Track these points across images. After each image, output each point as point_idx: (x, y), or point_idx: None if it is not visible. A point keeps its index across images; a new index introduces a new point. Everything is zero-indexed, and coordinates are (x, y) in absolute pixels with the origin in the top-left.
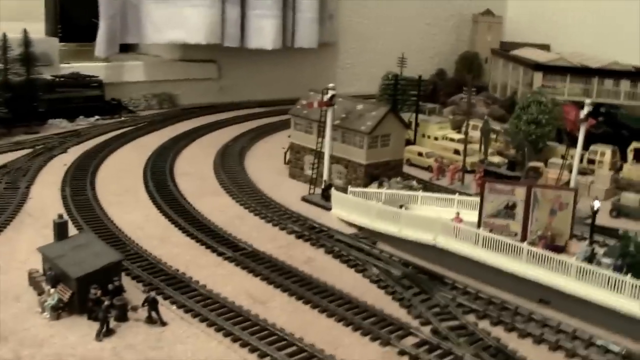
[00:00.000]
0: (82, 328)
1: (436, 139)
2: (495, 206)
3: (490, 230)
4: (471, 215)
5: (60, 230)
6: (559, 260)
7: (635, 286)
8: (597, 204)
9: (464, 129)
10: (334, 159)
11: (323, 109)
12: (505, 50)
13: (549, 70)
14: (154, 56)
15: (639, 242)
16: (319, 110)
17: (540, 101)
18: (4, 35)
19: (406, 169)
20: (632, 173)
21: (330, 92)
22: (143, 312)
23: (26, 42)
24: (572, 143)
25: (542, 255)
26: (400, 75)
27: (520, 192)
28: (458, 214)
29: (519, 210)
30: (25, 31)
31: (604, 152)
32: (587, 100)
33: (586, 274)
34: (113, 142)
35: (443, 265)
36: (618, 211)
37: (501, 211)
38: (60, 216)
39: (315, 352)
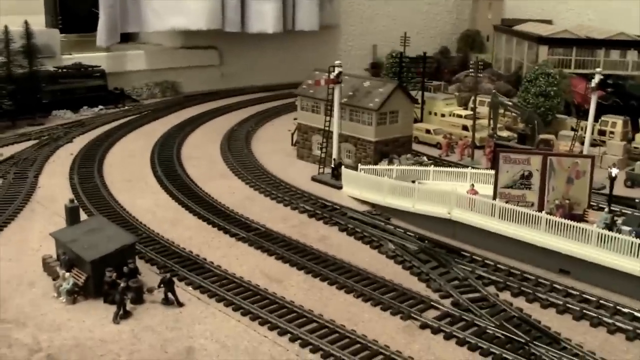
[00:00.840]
0: (98, 311)
1: (443, 115)
2: (510, 176)
3: (506, 201)
4: (484, 189)
5: (72, 214)
6: (580, 228)
7: None
8: (614, 171)
9: (470, 105)
10: (343, 138)
11: (330, 86)
12: (508, 27)
13: (554, 43)
14: (155, 45)
15: None
16: (325, 89)
17: (548, 73)
18: (6, 28)
19: (414, 146)
20: None
21: (337, 70)
22: (159, 294)
23: (28, 34)
24: (581, 115)
25: (561, 223)
26: (403, 53)
27: (535, 161)
28: (472, 186)
29: (535, 180)
30: (26, 23)
31: (615, 123)
32: (598, 69)
33: (608, 241)
34: (118, 131)
35: (459, 238)
36: (632, 181)
37: (517, 181)
38: (72, 200)
39: (336, 327)
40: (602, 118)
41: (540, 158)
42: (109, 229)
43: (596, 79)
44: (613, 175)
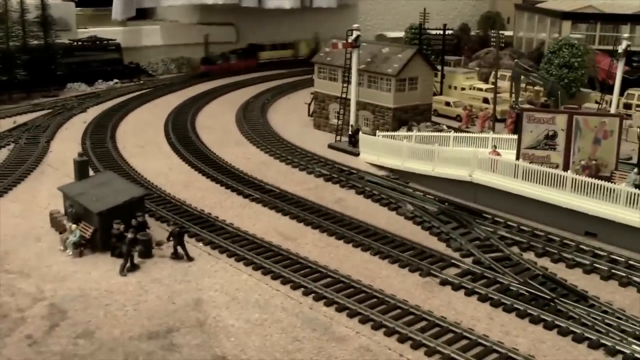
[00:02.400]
0: (105, 264)
1: (463, 89)
2: (534, 137)
3: (530, 162)
4: (506, 154)
5: (80, 168)
6: (607, 188)
7: None
8: None
9: (491, 79)
10: (360, 105)
11: (348, 50)
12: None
13: (577, 18)
14: (171, 21)
15: None
16: (342, 57)
17: (572, 44)
18: None
19: (433, 119)
20: None
21: (355, 33)
22: (168, 249)
23: (43, 5)
24: (605, 91)
25: (588, 183)
26: (423, 26)
27: (561, 121)
28: (495, 147)
29: (560, 140)
30: None
31: None
32: (625, 35)
33: (637, 201)
34: (132, 102)
35: (480, 202)
36: None
37: (541, 142)
38: (81, 155)
39: (352, 282)
40: (628, 91)
41: (565, 117)
42: (118, 183)
43: (623, 45)
44: None
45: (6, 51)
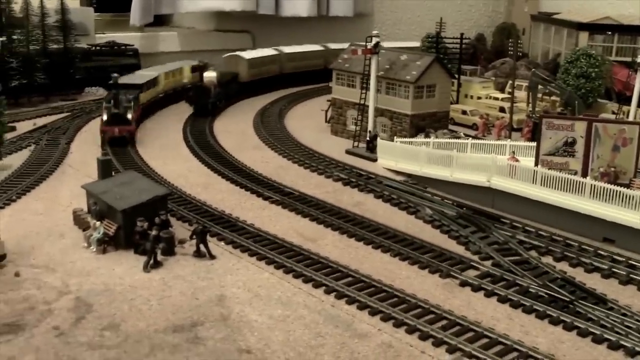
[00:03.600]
0: (129, 261)
1: (480, 98)
2: (553, 143)
3: (549, 169)
4: (524, 161)
5: (104, 167)
6: (626, 194)
7: None
8: None
9: (508, 89)
10: (378, 112)
11: (367, 56)
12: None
13: (594, 29)
14: (188, 28)
15: None
16: (361, 64)
17: (590, 54)
18: (41, 2)
19: (450, 127)
20: None
21: (375, 40)
22: (191, 248)
23: (63, 9)
24: (622, 102)
25: (606, 189)
26: (439, 35)
27: (580, 127)
28: (514, 153)
29: (579, 147)
30: None
31: None
32: None
33: None
34: (151, 106)
35: (498, 207)
36: None
37: (560, 148)
38: (105, 154)
39: (373, 281)
40: None
41: (585, 124)
42: (141, 182)
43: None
44: None
45: (26, 55)
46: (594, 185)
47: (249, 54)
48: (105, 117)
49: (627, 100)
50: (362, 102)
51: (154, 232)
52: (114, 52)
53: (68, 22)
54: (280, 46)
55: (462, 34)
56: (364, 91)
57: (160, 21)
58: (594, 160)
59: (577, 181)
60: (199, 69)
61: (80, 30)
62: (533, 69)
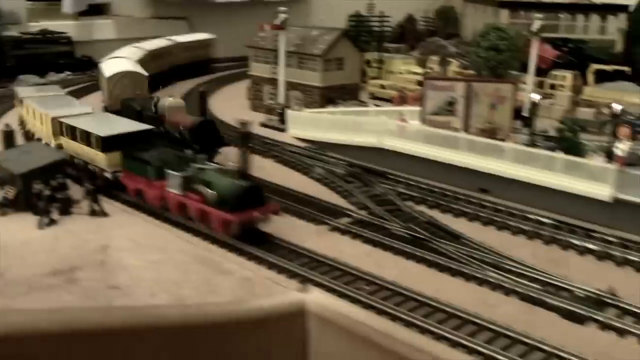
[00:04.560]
0: (26, 222)
1: (401, 73)
2: (436, 103)
3: (434, 127)
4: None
5: (7, 138)
6: (497, 146)
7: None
8: (535, 97)
9: (428, 64)
10: (291, 86)
11: (275, 33)
12: None
13: (515, 6)
14: (125, 16)
15: (575, 127)
16: (276, 40)
17: (499, 27)
18: None
19: (370, 101)
20: (594, 93)
21: (282, 16)
22: (87, 208)
23: None
24: (539, 75)
25: (479, 142)
26: (364, 15)
27: (460, 88)
28: (402, 115)
29: (460, 106)
30: None
31: (565, 76)
32: (538, 16)
33: (523, 157)
34: (81, 91)
35: (389, 166)
36: (575, 125)
37: (442, 108)
38: (7, 125)
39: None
40: (553, 72)
41: (464, 85)
42: (43, 150)
43: (536, 25)
44: (534, 100)
45: None
46: (469, 140)
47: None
48: (209, 193)
49: (544, 73)
50: (273, 76)
51: (47, 192)
52: (46, 40)
53: None
54: (174, 36)
55: (382, 12)
56: (275, 66)
57: (99, 11)
58: (473, 118)
59: (454, 137)
60: None
61: (11, 19)
62: (442, 43)
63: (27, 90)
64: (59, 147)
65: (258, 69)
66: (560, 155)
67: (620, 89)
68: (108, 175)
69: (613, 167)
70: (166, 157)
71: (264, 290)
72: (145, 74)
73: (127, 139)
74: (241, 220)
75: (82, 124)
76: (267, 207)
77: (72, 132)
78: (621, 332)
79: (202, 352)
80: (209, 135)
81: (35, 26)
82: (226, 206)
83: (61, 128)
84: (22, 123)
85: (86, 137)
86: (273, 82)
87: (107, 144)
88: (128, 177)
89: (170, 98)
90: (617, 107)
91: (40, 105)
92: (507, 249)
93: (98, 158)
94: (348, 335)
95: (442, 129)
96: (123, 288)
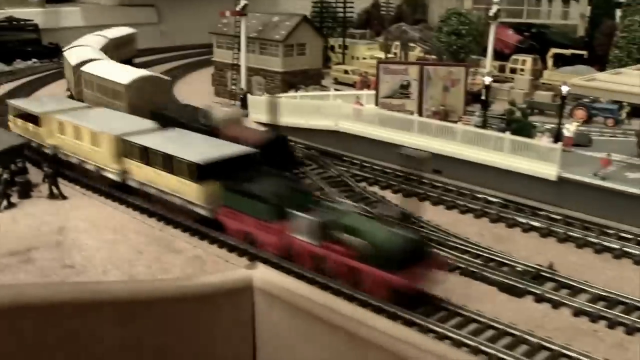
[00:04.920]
0: None
1: (364, 58)
2: (390, 87)
3: (388, 110)
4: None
5: None
6: (448, 128)
7: (513, 142)
8: (488, 79)
9: (393, 50)
10: (253, 71)
11: (236, 19)
12: None
13: None
14: (93, 3)
15: (525, 109)
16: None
17: (460, 13)
18: None
19: (334, 87)
20: (552, 77)
21: (243, 2)
22: (46, 191)
23: None
24: (503, 60)
25: (432, 124)
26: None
27: (413, 71)
28: (358, 97)
29: (414, 89)
30: None
31: (525, 60)
32: (495, 0)
33: (474, 138)
34: (48, 78)
35: (345, 148)
36: (531, 108)
37: (396, 91)
38: None
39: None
40: (513, 57)
41: (417, 68)
42: (2, 135)
43: (494, 9)
44: (487, 83)
45: None
46: (421, 122)
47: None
48: (360, 245)
49: (506, 58)
50: (235, 62)
51: (5, 176)
52: (12, 27)
53: None
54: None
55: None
56: (237, 52)
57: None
58: (427, 101)
59: (408, 119)
60: None
61: None
62: (403, 28)
63: (35, 104)
64: (123, 172)
65: (221, 55)
66: (508, 136)
67: (578, 72)
68: (201, 211)
69: (558, 147)
70: (282, 191)
71: (214, 267)
72: (168, 78)
73: (225, 166)
74: (407, 281)
75: (158, 144)
76: (431, 261)
77: (143, 155)
78: (555, 305)
79: (150, 327)
80: (281, 154)
81: (1, 13)
82: (385, 263)
83: (126, 149)
84: None
85: (165, 162)
86: (236, 68)
87: (203, 172)
88: (229, 214)
89: (226, 107)
90: (564, 89)
91: (87, 122)
92: (455, 227)
93: (187, 190)
94: (292, 309)
95: (397, 112)
96: (77, 267)
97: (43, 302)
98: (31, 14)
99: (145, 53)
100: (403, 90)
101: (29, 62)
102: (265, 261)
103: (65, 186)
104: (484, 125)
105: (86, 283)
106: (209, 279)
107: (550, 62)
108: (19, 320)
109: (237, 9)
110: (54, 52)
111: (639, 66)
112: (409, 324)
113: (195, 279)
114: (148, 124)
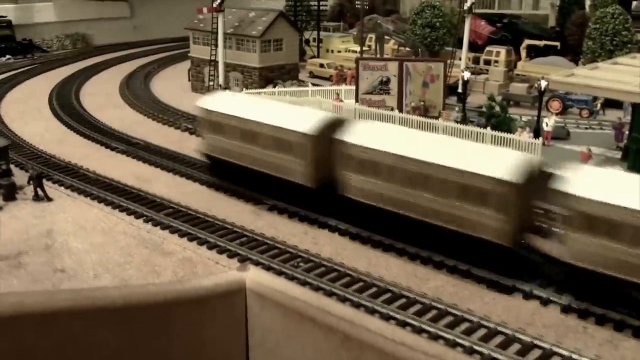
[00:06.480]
0: None
1: (339, 52)
2: (370, 83)
3: (369, 106)
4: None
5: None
6: (429, 123)
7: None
8: (467, 74)
9: (367, 43)
10: (231, 67)
11: (213, 15)
12: None
13: None
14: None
15: (503, 103)
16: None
17: (434, 5)
18: None
19: (310, 80)
20: (526, 68)
21: None
22: (31, 193)
23: None
24: (475, 51)
25: (412, 120)
26: None
27: (392, 67)
28: (338, 94)
29: (393, 85)
30: None
31: (499, 52)
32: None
33: (454, 133)
34: (22, 75)
35: None
36: (507, 100)
37: (376, 87)
38: None
39: (189, 210)
40: (487, 48)
41: (396, 64)
42: None
43: (468, 3)
44: (465, 78)
45: None
46: (402, 117)
47: None
48: None
49: (480, 49)
50: (212, 58)
51: None
52: None
53: None
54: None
55: None
56: (214, 48)
57: None
58: (407, 96)
59: (389, 115)
60: None
61: None
62: (378, 21)
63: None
64: None
65: (198, 51)
66: (489, 131)
67: (552, 64)
68: None
69: (538, 142)
70: None
71: (205, 270)
72: None
73: None
74: None
75: None
76: None
77: None
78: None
79: (145, 331)
80: None
81: None
82: None
83: None
84: None
85: None
86: (213, 63)
87: None
88: None
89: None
90: (544, 83)
91: None
92: None
93: None
94: (284, 310)
95: (377, 108)
96: (69, 271)
97: (43, 310)
98: (4, 10)
99: (118, 48)
100: (383, 87)
101: (3, 59)
102: (257, 263)
103: (49, 187)
104: (464, 120)
105: (83, 290)
106: (203, 282)
107: (523, 53)
108: (19, 326)
109: (214, 5)
110: (28, 48)
111: (614, 60)
112: (402, 324)
113: (189, 282)
114: None
